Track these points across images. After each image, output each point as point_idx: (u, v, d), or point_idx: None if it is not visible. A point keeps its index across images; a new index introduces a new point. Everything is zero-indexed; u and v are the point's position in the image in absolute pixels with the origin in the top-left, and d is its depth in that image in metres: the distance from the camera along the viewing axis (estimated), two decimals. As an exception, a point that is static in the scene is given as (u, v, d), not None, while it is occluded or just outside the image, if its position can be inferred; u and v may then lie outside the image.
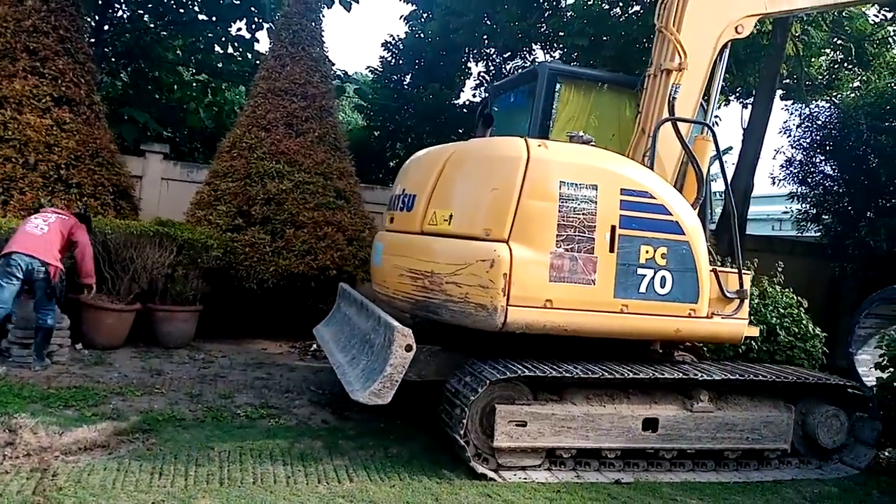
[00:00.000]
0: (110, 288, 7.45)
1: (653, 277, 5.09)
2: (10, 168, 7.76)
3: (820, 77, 12.37)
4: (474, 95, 16.15)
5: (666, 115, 5.60)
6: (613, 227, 5.01)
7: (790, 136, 11.57)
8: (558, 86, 6.01)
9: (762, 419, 5.43)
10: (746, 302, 5.69)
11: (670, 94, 5.61)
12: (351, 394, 4.88)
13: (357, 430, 5.56)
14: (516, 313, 4.78)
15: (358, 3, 13.76)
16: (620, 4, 12.93)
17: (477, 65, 15.79)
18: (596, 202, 4.97)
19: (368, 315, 5.72)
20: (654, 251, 5.10)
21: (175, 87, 14.79)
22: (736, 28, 5.84)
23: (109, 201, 8.45)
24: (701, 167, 5.62)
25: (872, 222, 9.23)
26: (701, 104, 5.88)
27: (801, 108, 11.52)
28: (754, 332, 5.92)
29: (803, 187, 10.92)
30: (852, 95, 11.32)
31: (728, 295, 5.61)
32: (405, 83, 15.69)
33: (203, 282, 8.13)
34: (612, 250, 4.99)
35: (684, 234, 5.20)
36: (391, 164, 15.25)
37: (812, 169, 11.07)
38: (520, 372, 4.75)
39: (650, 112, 5.79)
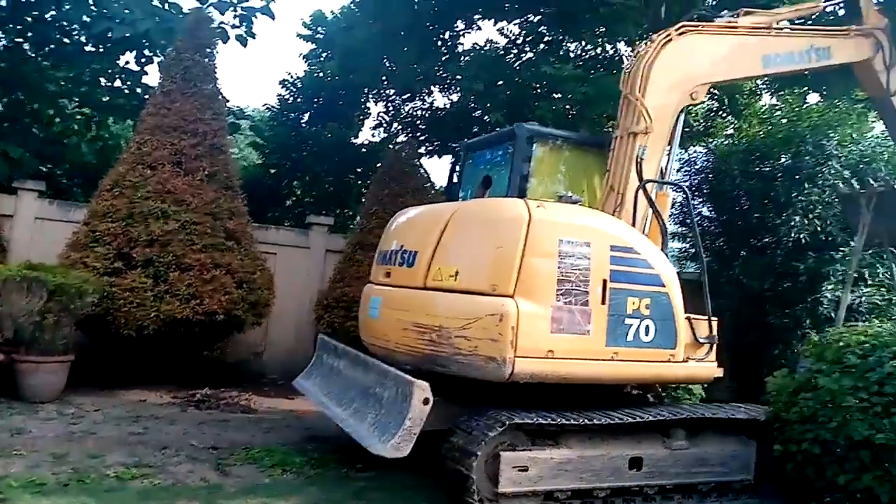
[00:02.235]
0: (-30, 338, 6.87)
1: (638, 326, 5.49)
2: None
3: (697, 124, 13.18)
4: (373, 135, 16.23)
5: (634, 174, 6.07)
6: (605, 281, 5.36)
7: (672, 179, 12.21)
8: (534, 146, 6.36)
9: (730, 453, 5.89)
10: (715, 346, 6.13)
11: (638, 155, 6.07)
12: (369, 448, 5.03)
13: (239, 487, 5.30)
14: (522, 364, 5.03)
15: (254, 38, 13.53)
16: (514, 51, 13.40)
17: (377, 105, 15.88)
18: (590, 258, 5.34)
19: (368, 368, 5.88)
20: (640, 302, 5.50)
21: (56, 119, 14.01)
22: (691, 95, 6.46)
23: (-27, 244, 7.83)
24: (664, 221, 6.12)
25: (746, 261, 9.80)
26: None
27: (681, 153, 12.18)
28: (720, 372, 6.31)
29: (683, 227, 11.51)
30: (726, 142, 12.09)
31: (700, 340, 6.03)
32: (303, 121, 15.54)
33: (77, 329, 7.63)
34: (603, 302, 5.35)
35: (664, 285, 5.63)
36: (287, 202, 15.00)
37: (688, 210, 11.67)
38: (529, 420, 5.01)
39: (618, 171, 6.23)
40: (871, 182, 8.43)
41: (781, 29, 7.12)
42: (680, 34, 6.42)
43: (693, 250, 11.68)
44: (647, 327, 5.51)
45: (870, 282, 8.92)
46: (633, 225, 5.98)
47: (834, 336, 5.99)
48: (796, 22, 7.42)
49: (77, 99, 14.20)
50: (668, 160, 6.57)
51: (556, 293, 5.19)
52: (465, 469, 4.88)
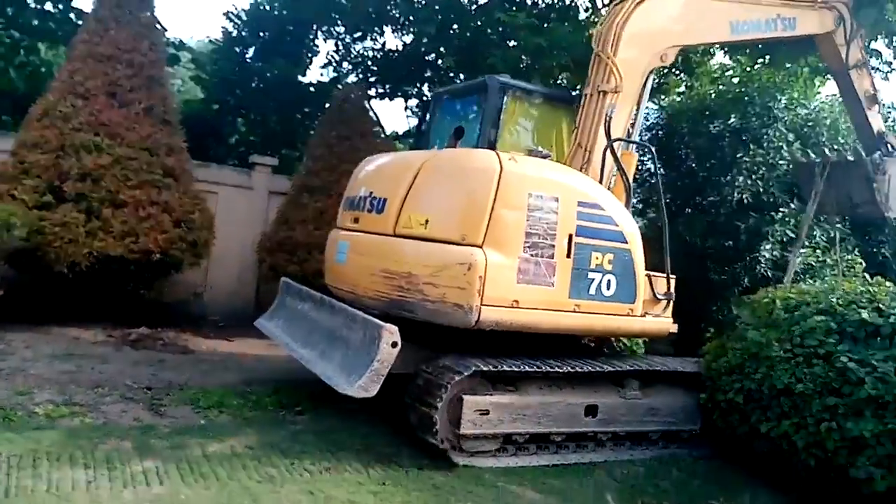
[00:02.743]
0: None
1: (601, 281, 5.67)
2: None
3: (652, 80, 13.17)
4: (322, 75, 15.74)
5: (602, 132, 6.12)
6: (571, 236, 5.50)
7: (624, 134, 12.22)
8: (505, 98, 6.34)
9: (679, 405, 6.17)
10: (671, 303, 6.35)
11: (607, 114, 6.12)
12: (336, 387, 5.10)
13: (173, 427, 5.20)
14: (488, 312, 5.17)
15: (197, -34, 12.87)
16: (470, -6, 13.05)
17: (326, 42, 15.36)
18: (557, 213, 5.45)
19: (334, 311, 5.94)
20: (603, 257, 5.67)
21: (-19, 44, 13.15)
22: (661, 56, 6.51)
23: None
24: (629, 179, 6.23)
25: (690, 218, 9.95)
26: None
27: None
28: (675, 328, 6.51)
29: (635, 184, 11.62)
30: (678, 100, 12.14)
31: (658, 297, 6.23)
32: (248, 56, 14.89)
33: (6, 264, 7.30)
34: (568, 256, 5.50)
35: (627, 242, 5.81)
36: (231, 139, 14.50)
37: (640, 166, 11.75)
38: (492, 367, 5.18)
39: (586, 128, 6.29)
40: (825, 151, 8.61)
41: None
42: None
43: (641, 206, 11.87)
44: (608, 282, 5.70)
45: (807, 243, 9.18)
46: (600, 182, 6.08)
47: (763, 294, 6.21)
48: None
49: (3, 21, 13.33)
50: (637, 120, 6.64)
51: (524, 245, 5.31)
52: (430, 411, 5.05)
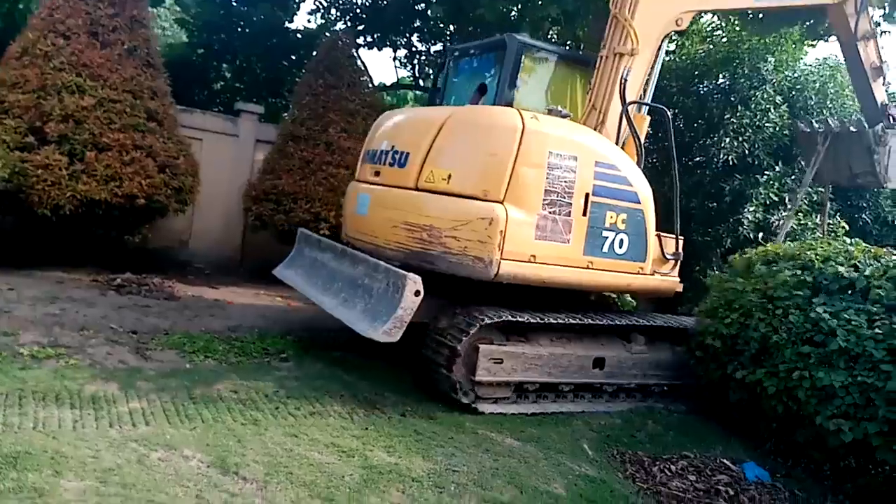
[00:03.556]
0: None
1: (613, 239, 5.87)
2: None
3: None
4: (309, 21, 15.41)
5: (617, 94, 6.21)
6: (587, 195, 5.66)
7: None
8: (522, 57, 6.39)
9: (681, 360, 6.33)
10: (679, 262, 6.59)
11: (622, 76, 6.21)
12: (361, 332, 5.31)
13: (159, 370, 5.24)
14: (507, 266, 5.37)
15: None
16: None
17: (314, -13, 14.97)
18: (575, 171, 5.60)
19: (355, 261, 6.08)
20: (617, 217, 5.85)
21: (-44, -24, 12.68)
22: (677, 21, 6.57)
23: None
24: (641, 140, 6.35)
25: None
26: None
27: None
28: (681, 287, 6.74)
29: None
30: (668, 59, 12.07)
31: (667, 256, 6.45)
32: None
33: (-13, 205, 7.20)
34: (584, 214, 5.67)
35: (640, 202, 5.98)
36: (216, 85, 14.24)
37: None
38: (508, 317, 5.41)
39: (601, 90, 6.37)
40: (829, 121, 8.70)
41: None
42: None
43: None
44: (621, 240, 5.90)
45: (789, 206, 9.28)
46: (616, 143, 6.19)
47: (746, 252, 6.37)
48: None
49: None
50: (650, 84, 6.72)
51: (542, 202, 5.48)
52: (448, 358, 5.32)
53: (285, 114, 11.16)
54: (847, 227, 9.32)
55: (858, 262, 5.34)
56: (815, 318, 5.00)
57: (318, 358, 6.21)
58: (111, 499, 3.33)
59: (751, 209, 9.29)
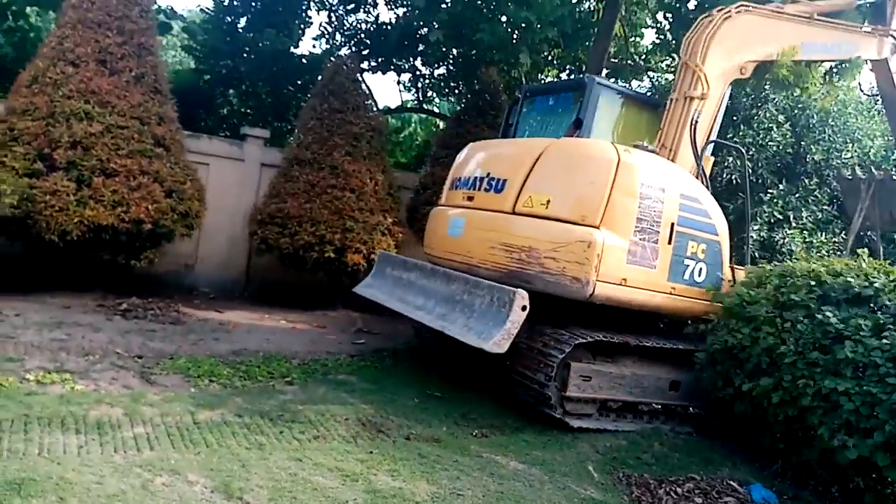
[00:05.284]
0: None
1: (694, 268, 6.25)
2: None
3: (639, 58, 13.18)
4: (314, 46, 15.64)
5: (687, 135, 6.72)
6: (672, 224, 6.06)
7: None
8: (599, 97, 6.94)
9: None
10: None
11: (692, 118, 6.68)
12: (469, 343, 5.52)
13: (163, 395, 5.25)
14: (602, 287, 5.71)
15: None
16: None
17: (319, 14, 15.33)
18: (663, 202, 6.00)
19: (450, 279, 6.35)
20: (697, 247, 6.26)
21: (-32, 7, 12.92)
22: (741, 69, 7.02)
23: None
24: (707, 178, 6.86)
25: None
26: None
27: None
28: None
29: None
30: (671, 78, 12.14)
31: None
32: (240, 26, 14.74)
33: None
34: (669, 242, 6.06)
35: (718, 235, 6.40)
36: (222, 111, 14.38)
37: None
38: (601, 337, 5.81)
39: (672, 130, 6.81)
40: (872, 169, 8.89)
41: (820, 20, 7.47)
42: (738, 12, 6.89)
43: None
44: (700, 269, 6.29)
45: (794, 224, 9.26)
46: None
47: (760, 268, 6.40)
48: (829, 14, 7.70)
49: (-9, -15, 13.11)
50: (714, 126, 7.11)
51: (634, 229, 5.86)
52: (545, 374, 5.65)
53: (290, 138, 11.26)
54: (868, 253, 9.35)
55: (868, 274, 5.35)
56: (822, 322, 5.02)
57: (323, 381, 6.22)
58: (114, 525, 3.34)
59: (755, 228, 9.28)
